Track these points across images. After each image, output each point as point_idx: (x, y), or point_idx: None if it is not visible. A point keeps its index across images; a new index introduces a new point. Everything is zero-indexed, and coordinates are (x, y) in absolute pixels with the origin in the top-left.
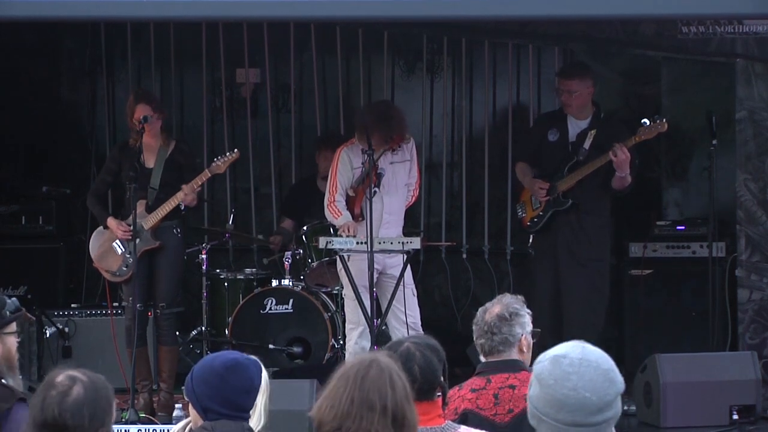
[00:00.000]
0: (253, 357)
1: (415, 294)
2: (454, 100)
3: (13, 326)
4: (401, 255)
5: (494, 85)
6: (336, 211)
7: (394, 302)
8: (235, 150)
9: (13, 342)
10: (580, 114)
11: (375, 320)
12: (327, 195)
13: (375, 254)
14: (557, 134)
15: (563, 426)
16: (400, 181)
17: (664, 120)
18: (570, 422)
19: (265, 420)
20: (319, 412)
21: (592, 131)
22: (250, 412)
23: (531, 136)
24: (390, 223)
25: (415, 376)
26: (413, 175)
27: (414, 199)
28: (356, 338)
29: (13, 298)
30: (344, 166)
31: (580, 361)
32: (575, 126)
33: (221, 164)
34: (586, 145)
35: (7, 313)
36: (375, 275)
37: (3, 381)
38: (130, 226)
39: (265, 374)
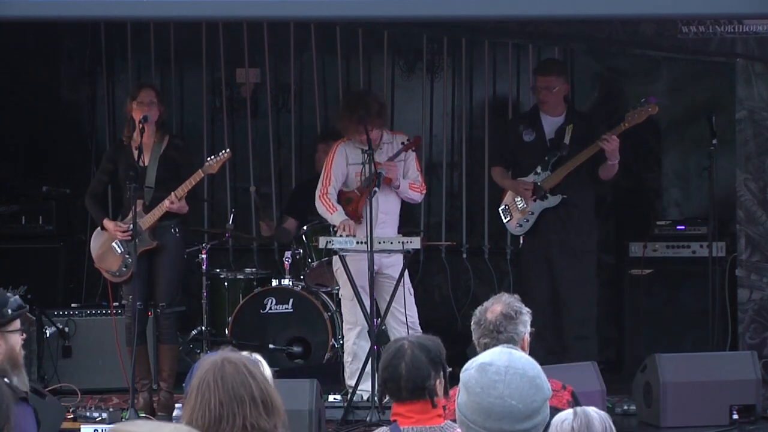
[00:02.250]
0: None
1: (412, 293)
2: (454, 100)
3: (17, 324)
4: (398, 255)
5: (494, 85)
6: (329, 205)
7: (395, 305)
8: (227, 149)
9: (17, 340)
10: (555, 111)
11: (375, 320)
12: (319, 186)
13: (373, 255)
14: (533, 134)
15: None
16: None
17: (654, 102)
18: (497, 430)
19: None
20: (191, 424)
21: (570, 126)
22: None
23: (505, 139)
24: (386, 222)
25: (401, 373)
26: (410, 172)
27: (424, 190)
28: (354, 338)
29: (16, 296)
30: (341, 159)
31: (506, 369)
32: (550, 123)
33: (214, 164)
34: (566, 140)
35: (9, 311)
36: (375, 276)
37: (5, 380)
38: (127, 226)
39: (268, 371)
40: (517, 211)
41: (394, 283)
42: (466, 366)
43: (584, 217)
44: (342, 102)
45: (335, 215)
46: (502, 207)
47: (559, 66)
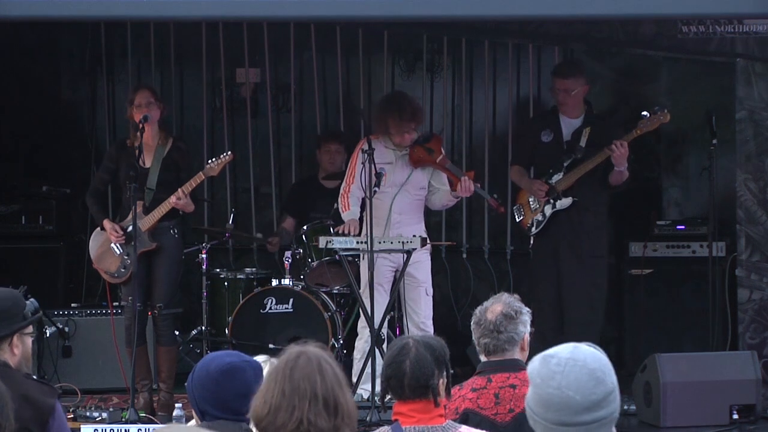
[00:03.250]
0: (254, 359)
1: (430, 294)
2: (454, 100)
3: (31, 327)
4: (420, 254)
5: (494, 85)
6: (345, 203)
7: (409, 303)
8: (229, 152)
9: (30, 342)
10: (573, 113)
11: (372, 322)
12: (343, 183)
13: (392, 253)
14: (551, 135)
15: (552, 425)
16: (416, 182)
17: (666, 110)
18: (557, 421)
19: None
20: (254, 411)
21: (587, 129)
22: None
23: (524, 139)
24: (401, 222)
25: (404, 371)
26: (438, 178)
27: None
28: (366, 337)
29: (32, 299)
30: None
31: (567, 361)
32: (569, 125)
33: (215, 166)
34: (582, 143)
35: (29, 314)
36: (394, 274)
37: (34, 377)
38: (125, 229)
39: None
40: (529, 211)
41: (416, 283)
42: (533, 359)
43: (596, 222)
44: (389, 101)
45: (346, 213)
46: (516, 206)
47: (577, 68)
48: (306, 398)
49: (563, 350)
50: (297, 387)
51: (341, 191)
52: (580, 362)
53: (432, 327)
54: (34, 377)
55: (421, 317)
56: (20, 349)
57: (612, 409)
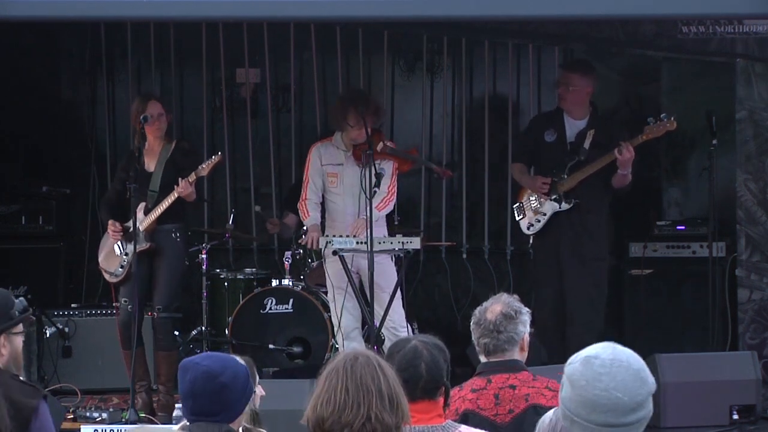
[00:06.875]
0: (220, 366)
1: (397, 298)
2: (454, 100)
3: (20, 326)
4: (382, 258)
5: (494, 85)
6: (305, 212)
7: (377, 308)
8: (218, 153)
9: (19, 342)
10: (578, 113)
11: (372, 322)
12: (302, 192)
13: (351, 256)
14: (554, 134)
15: (596, 427)
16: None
17: (672, 118)
18: (603, 423)
19: (245, 423)
20: (314, 411)
21: (591, 131)
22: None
23: (527, 137)
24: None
25: (421, 374)
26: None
27: (389, 203)
28: (341, 341)
29: (21, 298)
30: (315, 161)
31: (612, 362)
32: (573, 126)
33: (205, 167)
34: (586, 144)
35: (16, 313)
36: (354, 278)
37: (22, 378)
38: (124, 227)
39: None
40: (530, 210)
41: (378, 290)
42: (570, 360)
43: (597, 224)
44: (343, 94)
45: (307, 221)
46: (516, 204)
47: (585, 67)
48: (371, 394)
49: (604, 351)
50: (360, 383)
51: (300, 199)
52: (624, 363)
53: (408, 331)
54: (22, 378)
55: (393, 323)
56: (8, 348)
57: (650, 407)
